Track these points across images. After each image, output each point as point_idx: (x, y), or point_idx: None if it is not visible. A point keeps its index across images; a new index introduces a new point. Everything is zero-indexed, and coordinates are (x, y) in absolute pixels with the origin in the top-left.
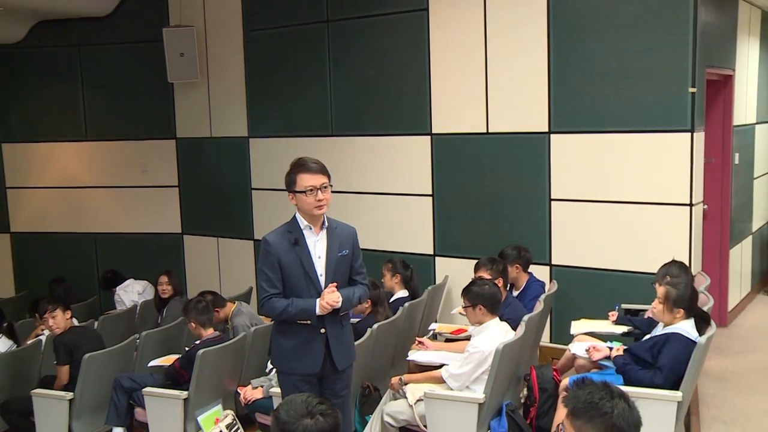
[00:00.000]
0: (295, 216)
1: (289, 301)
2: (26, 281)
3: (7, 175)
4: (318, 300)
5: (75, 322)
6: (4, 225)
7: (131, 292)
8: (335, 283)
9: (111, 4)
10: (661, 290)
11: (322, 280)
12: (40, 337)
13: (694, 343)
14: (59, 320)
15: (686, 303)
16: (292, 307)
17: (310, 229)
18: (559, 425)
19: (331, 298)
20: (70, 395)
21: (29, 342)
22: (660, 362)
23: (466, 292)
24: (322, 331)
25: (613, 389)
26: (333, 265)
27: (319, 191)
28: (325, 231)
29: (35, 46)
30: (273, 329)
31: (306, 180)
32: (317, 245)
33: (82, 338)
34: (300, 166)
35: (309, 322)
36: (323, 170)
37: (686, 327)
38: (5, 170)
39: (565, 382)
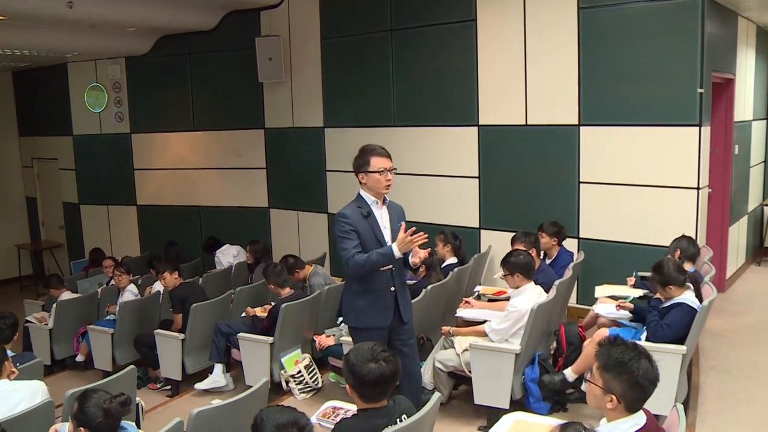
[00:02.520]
0: (360, 194)
1: (370, 252)
2: (148, 244)
3: (135, 159)
4: (394, 244)
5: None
6: (132, 199)
7: (228, 255)
8: (413, 229)
9: (215, 19)
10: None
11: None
12: (158, 289)
13: (695, 309)
14: (168, 280)
15: (674, 281)
16: (374, 256)
17: (377, 203)
18: (587, 373)
19: (409, 240)
20: (182, 336)
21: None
22: (667, 320)
23: (505, 262)
24: (392, 289)
25: (640, 350)
26: (396, 234)
27: (388, 172)
28: (386, 206)
29: (157, 56)
30: (346, 293)
31: (378, 162)
32: (383, 217)
33: (190, 291)
34: (371, 150)
35: (391, 266)
36: (389, 155)
37: (689, 296)
38: (134, 155)
39: (603, 332)
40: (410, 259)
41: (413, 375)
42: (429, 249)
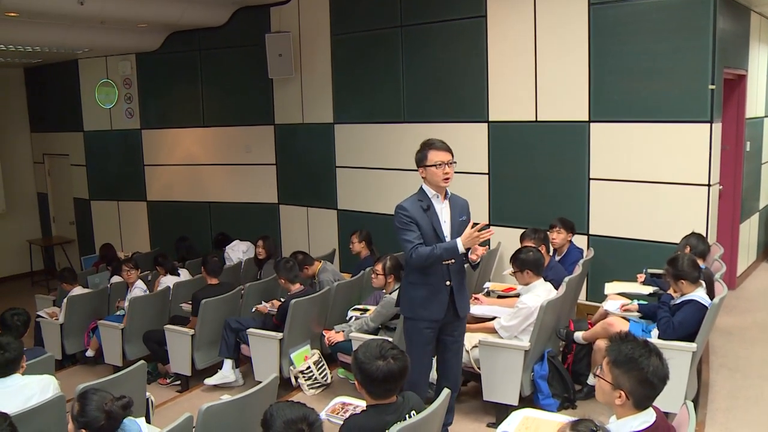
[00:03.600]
0: (422, 188)
1: (433, 246)
2: (158, 239)
3: (145, 155)
4: (459, 238)
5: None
6: (142, 195)
7: (237, 251)
8: (483, 224)
9: (225, 16)
10: (665, 270)
11: (447, 240)
12: (168, 284)
13: (706, 307)
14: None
15: (689, 275)
16: (438, 249)
17: (437, 197)
18: (596, 368)
19: (476, 236)
20: (191, 332)
21: (160, 288)
22: (677, 318)
23: (514, 259)
24: (448, 283)
25: (650, 347)
26: (456, 229)
27: (446, 166)
28: (448, 200)
29: (167, 52)
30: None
31: (436, 156)
32: (443, 211)
33: (211, 294)
34: (430, 145)
35: (453, 261)
36: (448, 149)
37: (700, 293)
38: (144, 151)
39: (615, 319)
40: (470, 256)
41: (457, 375)
42: (487, 246)
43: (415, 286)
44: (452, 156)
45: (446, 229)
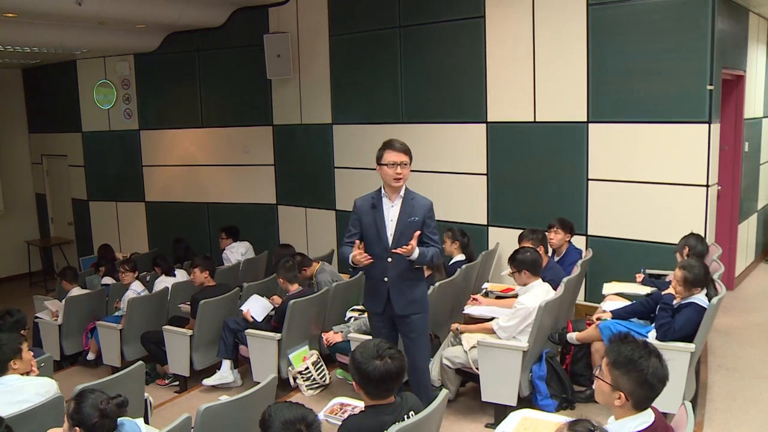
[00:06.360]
0: (381, 186)
1: (344, 248)
2: (156, 240)
3: (143, 156)
4: (353, 253)
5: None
6: (141, 195)
7: (236, 252)
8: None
9: (223, 16)
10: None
11: (390, 239)
12: (165, 285)
13: (705, 309)
14: (197, 276)
15: (702, 283)
16: (345, 252)
17: (388, 197)
18: (596, 369)
19: (360, 257)
20: (190, 332)
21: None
22: (678, 321)
23: (512, 260)
24: (385, 279)
25: (650, 348)
26: (401, 229)
27: (399, 167)
28: (401, 200)
29: (166, 53)
30: None
31: (390, 156)
32: (391, 211)
33: (210, 295)
34: (388, 144)
35: (391, 259)
36: (406, 151)
37: (701, 296)
38: (142, 152)
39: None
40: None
41: (416, 369)
42: (410, 246)
43: (366, 280)
44: (409, 159)
45: (391, 227)
